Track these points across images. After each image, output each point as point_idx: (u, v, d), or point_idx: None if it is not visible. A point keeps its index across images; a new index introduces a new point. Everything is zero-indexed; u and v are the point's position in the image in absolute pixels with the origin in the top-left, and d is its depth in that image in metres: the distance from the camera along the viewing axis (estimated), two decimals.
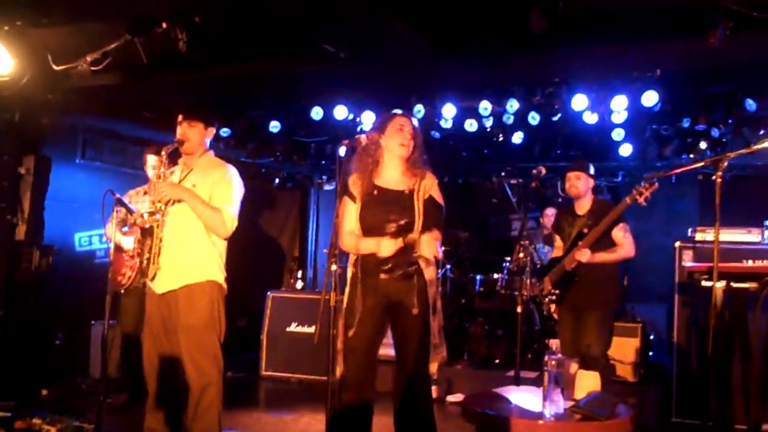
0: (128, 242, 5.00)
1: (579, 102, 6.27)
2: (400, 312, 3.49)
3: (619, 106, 6.22)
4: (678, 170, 4.11)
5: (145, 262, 3.75)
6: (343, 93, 6.83)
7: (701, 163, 4.12)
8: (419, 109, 6.71)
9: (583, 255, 4.62)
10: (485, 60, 5.52)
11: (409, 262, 3.45)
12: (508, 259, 7.11)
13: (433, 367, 3.57)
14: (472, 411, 3.37)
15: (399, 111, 3.74)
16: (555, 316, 5.01)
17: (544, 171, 5.19)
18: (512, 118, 6.72)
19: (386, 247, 3.40)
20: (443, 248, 5.09)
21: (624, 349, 5.96)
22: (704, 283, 4.25)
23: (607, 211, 4.72)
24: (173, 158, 4.01)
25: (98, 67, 5.03)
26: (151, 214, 3.78)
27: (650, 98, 6.03)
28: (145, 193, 5.29)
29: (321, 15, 4.63)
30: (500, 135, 7.24)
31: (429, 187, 3.58)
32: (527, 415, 3.26)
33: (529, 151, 7.61)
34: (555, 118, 6.63)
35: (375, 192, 3.56)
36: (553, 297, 4.95)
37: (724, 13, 4.19)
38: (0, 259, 5.54)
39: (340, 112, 6.96)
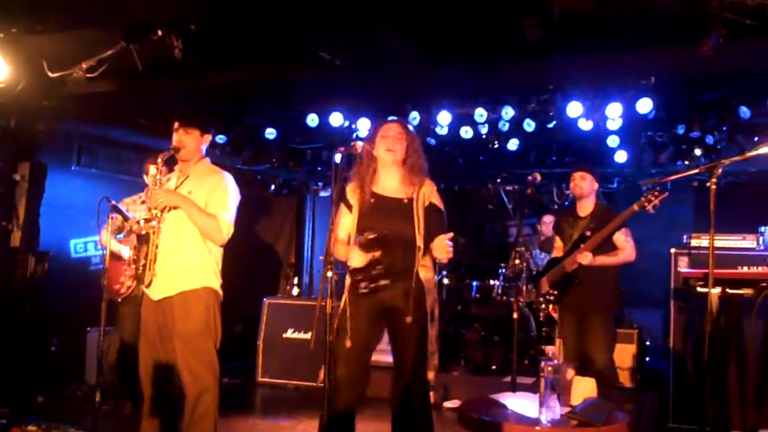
0: (127, 251, 4.99)
1: (574, 109, 6.29)
2: (395, 319, 3.48)
3: (614, 113, 6.25)
4: (673, 177, 4.12)
5: (141, 268, 3.74)
6: (339, 100, 6.84)
7: (696, 170, 4.13)
8: (414, 116, 6.73)
9: (585, 258, 4.64)
10: (480, 67, 5.54)
11: (375, 277, 3.41)
12: (504, 265, 7.13)
13: (430, 375, 3.55)
14: (468, 417, 3.37)
15: (393, 118, 3.74)
16: (553, 315, 5.02)
17: (539, 177, 5.20)
18: (507, 125, 6.74)
19: (354, 257, 3.42)
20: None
21: (621, 355, 5.96)
22: (700, 289, 4.27)
23: (609, 215, 4.74)
24: (169, 165, 4.01)
25: (94, 74, 5.03)
26: (147, 220, 3.77)
27: (645, 105, 6.06)
28: (143, 202, 5.28)
29: (316, 22, 4.65)
30: (496, 142, 7.26)
31: (428, 194, 3.58)
32: (524, 421, 3.27)
33: (525, 158, 7.64)
34: (550, 125, 6.66)
35: (372, 200, 3.56)
36: (551, 298, 4.96)
37: (717, 21, 4.21)
38: None
39: (336, 119, 6.97)
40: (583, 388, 3.65)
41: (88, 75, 5.04)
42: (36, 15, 4.70)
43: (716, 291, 3.80)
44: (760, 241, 5.33)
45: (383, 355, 3.66)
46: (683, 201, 8.22)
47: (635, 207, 4.49)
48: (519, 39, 4.33)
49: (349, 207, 3.59)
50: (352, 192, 3.62)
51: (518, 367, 5.49)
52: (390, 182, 3.62)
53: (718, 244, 5.02)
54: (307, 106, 7.01)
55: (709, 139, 6.63)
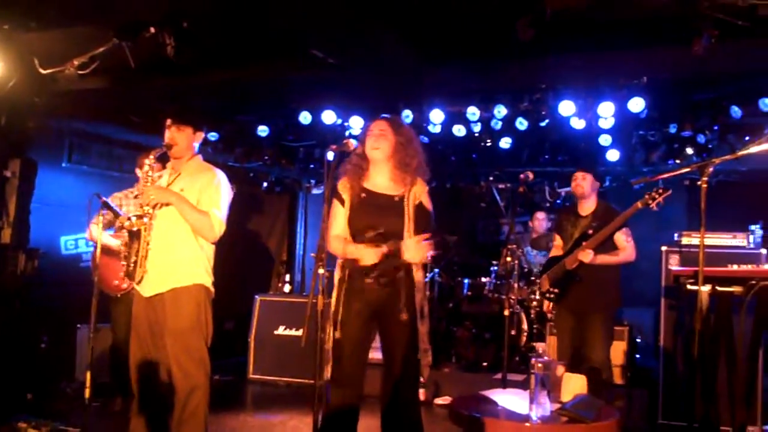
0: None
1: (566, 108, 6.31)
2: (387, 317, 3.48)
3: (606, 112, 6.27)
4: (664, 176, 4.13)
5: (131, 265, 3.74)
6: (332, 98, 6.84)
7: (687, 169, 4.16)
8: (407, 114, 6.73)
9: (587, 256, 4.65)
10: (473, 66, 5.55)
11: (395, 269, 3.44)
12: (496, 263, 7.14)
13: (424, 373, 3.56)
14: (459, 413, 3.38)
15: (385, 115, 3.73)
16: (547, 313, 5.04)
17: (531, 176, 5.22)
18: (500, 123, 6.76)
19: (368, 256, 3.40)
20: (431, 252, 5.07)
21: (611, 352, 5.96)
22: (690, 287, 4.28)
23: (611, 214, 4.76)
24: (162, 162, 4.00)
25: (85, 71, 5.01)
26: (139, 217, 3.76)
27: (637, 105, 6.08)
28: (135, 196, 5.26)
29: (310, 21, 4.64)
30: (488, 140, 7.28)
31: (419, 193, 3.58)
32: (514, 417, 3.28)
33: (517, 156, 7.66)
34: (543, 124, 6.68)
35: (363, 195, 3.56)
36: (551, 296, 4.97)
37: (709, 21, 4.23)
38: None
39: (329, 117, 6.97)
40: (574, 385, 3.67)
41: (80, 72, 5.02)
42: (29, 12, 4.68)
43: (706, 289, 3.81)
44: (751, 240, 5.36)
45: (373, 352, 3.66)
46: (675, 200, 8.20)
47: (639, 204, 4.51)
48: (512, 38, 4.34)
49: (342, 201, 3.59)
50: (343, 187, 3.62)
51: (509, 364, 5.51)
52: (380, 179, 3.61)
53: (708, 242, 5.06)
54: (299, 104, 7.01)
55: (701, 139, 6.67)
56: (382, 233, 3.42)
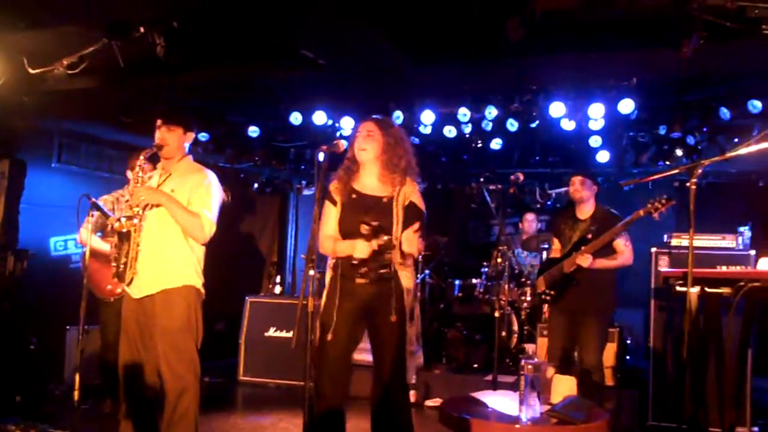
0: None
1: (556, 109, 6.33)
2: (377, 318, 3.49)
3: (596, 113, 6.29)
4: (654, 177, 4.14)
5: (121, 266, 3.72)
6: (322, 99, 6.84)
7: (677, 170, 4.17)
8: (398, 115, 6.74)
9: (585, 260, 4.66)
10: (463, 67, 5.56)
11: (384, 265, 3.44)
12: (487, 264, 7.15)
13: (409, 375, 3.56)
14: (449, 415, 3.38)
15: (375, 116, 3.72)
16: (545, 316, 5.04)
17: (522, 177, 5.22)
18: (491, 124, 6.77)
19: (361, 249, 3.39)
20: (422, 253, 5.08)
21: None
22: (679, 289, 4.28)
23: (610, 219, 4.77)
24: (152, 163, 3.98)
25: (75, 71, 4.99)
26: (129, 218, 3.74)
27: (627, 106, 6.11)
28: (127, 200, 5.23)
29: (300, 21, 4.63)
30: (479, 141, 7.31)
31: (409, 193, 3.57)
32: (504, 419, 3.29)
33: (508, 158, 7.68)
34: (533, 125, 6.69)
35: (353, 196, 3.57)
36: (547, 298, 4.98)
37: (698, 23, 4.24)
38: None
39: (319, 118, 6.96)
40: (563, 387, 3.68)
41: (69, 71, 4.99)
42: (18, 11, 4.65)
43: (695, 290, 3.82)
44: (739, 241, 5.39)
45: (363, 354, 3.66)
46: None
47: (641, 213, 4.53)
48: (502, 39, 4.35)
49: (334, 202, 3.60)
50: (335, 188, 3.62)
51: (499, 365, 5.52)
52: (370, 180, 3.62)
53: (698, 243, 5.08)
54: (290, 105, 7.00)
55: (690, 140, 6.70)
56: (376, 227, 3.41)
